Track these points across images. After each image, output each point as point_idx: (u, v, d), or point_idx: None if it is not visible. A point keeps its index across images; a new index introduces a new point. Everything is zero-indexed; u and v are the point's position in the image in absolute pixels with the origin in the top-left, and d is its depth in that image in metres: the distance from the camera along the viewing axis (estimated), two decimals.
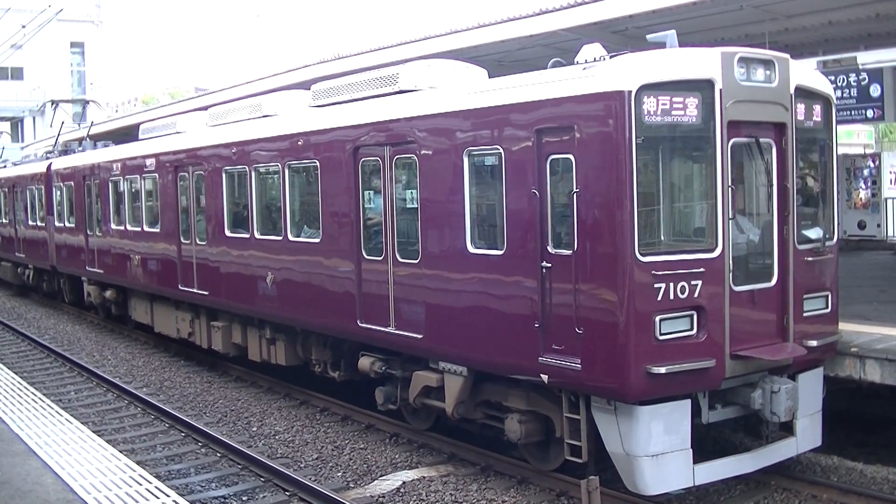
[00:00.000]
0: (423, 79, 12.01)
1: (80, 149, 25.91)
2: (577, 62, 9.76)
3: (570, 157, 9.03)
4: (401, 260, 11.19)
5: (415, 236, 11.05)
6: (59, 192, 24.34)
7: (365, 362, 12.09)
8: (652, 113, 8.71)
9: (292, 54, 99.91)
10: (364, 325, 11.82)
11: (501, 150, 9.72)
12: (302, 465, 11.72)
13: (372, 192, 11.81)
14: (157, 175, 17.79)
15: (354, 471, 11.41)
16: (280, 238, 13.55)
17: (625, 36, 15.24)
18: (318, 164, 12.63)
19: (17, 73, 75.09)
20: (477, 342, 10.17)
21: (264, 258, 13.98)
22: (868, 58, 20.20)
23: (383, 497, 10.47)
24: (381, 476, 11.13)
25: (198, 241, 16.21)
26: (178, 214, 16.95)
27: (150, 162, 18.09)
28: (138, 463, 10.20)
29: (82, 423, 11.52)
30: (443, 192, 10.51)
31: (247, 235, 14.47)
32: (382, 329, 11.48)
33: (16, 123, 73.92)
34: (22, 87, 75.29)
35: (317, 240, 12.76)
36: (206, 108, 19.58)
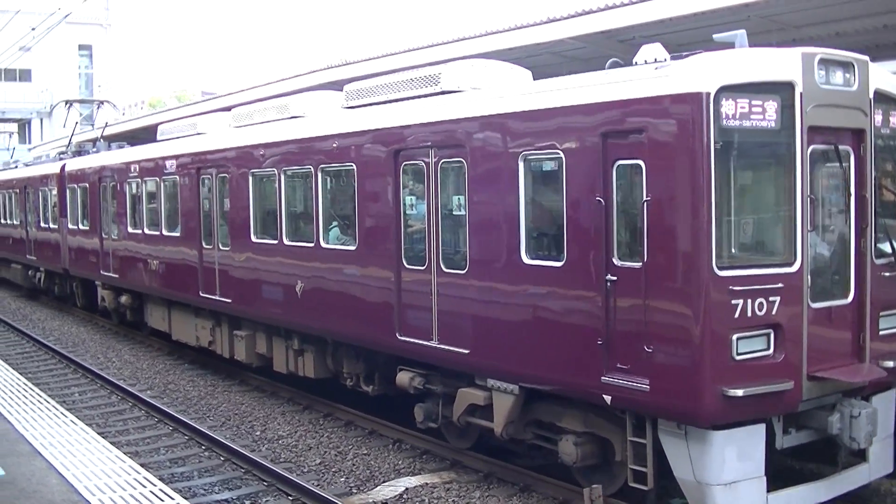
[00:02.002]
0: (467, 79, 11.42)
1: (95, 150, 25.32)
2: (637, 63, 9.19)
3: (640, 162, 8.41)
4: (446, 270, 10.56)
5: (462, 245, 10.44)
6: (72, 194, 23.72)
7: (403, 377, 11.45)
8: (730, 116, 8.10)
9: (298, 59, 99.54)
10: (403, 338, 11.19)
11: (562, 155, 9.10)
12: (305, 470, 11.66)
13: (414, 197, 11.20)
14: (177, 177, 17.17)
15: (357, 476, 11.35)
16: (311, 245, 12.92)
17: (632, 45, 14.84)
18: (354, 167, 12.01)
19: (25, 75, 74.87)
20: (531, 359, 9.53)
21: (294, 265, 13.34)
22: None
23: (386, 503, 10.32)
24: (384, 482, 11.07)
25: (221, 247, 15.58)
26: (199, 218, 16.33)
27: (171, 164, 17.48)
28: (142, 465, 10.13)
29: (87, 424, 11.55)
30: (495, 198, 9.88)
31: (275, 241, 13.84)
32: (424, 343, 10.85)
33: (23, 125, 73.69)
34: (30, 89, 74.93)
35: (352, 247, 12.13)
36: (227, 109, 19.03)
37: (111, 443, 10.74)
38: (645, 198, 8.29)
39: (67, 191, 24.05)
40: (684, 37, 15.59)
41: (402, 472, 11.40)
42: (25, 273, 29.25)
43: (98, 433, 11.21)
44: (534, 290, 9.46)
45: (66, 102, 27.55)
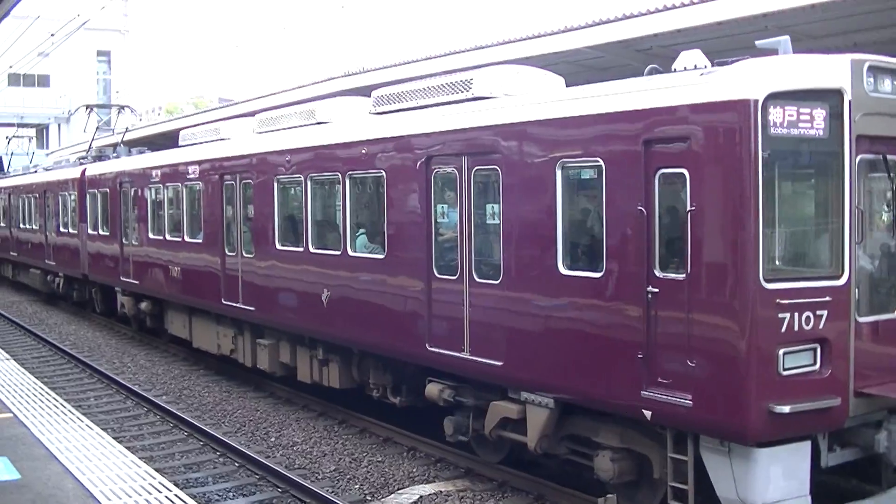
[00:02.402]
0: (499, 85, 11.21)
1: (115, 155, 25.22)
2: (676, 69, 8.98)
3: (684, 171, 8.17)
4: (479, 280, 10.34)
5: (496, 254, 10.22)
6: (93, 199, 23.61)
7: (433, 389, 11.22)
8: (778, 124, 7.85)
9: (316, 67, 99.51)
10: (433, 349, 10.96)
11: (602, 163, 8.87)
12: (319, 477, 11.65)
13: (446, 205, 10.99)
14: (200, 183, 17.02)
15: (372, 483, 11.35)
16: (338, 253, 12.72)
17: (649, 54, 14.92)
18: (383, 174, 11.81)
19: (43, 81, 75.31)
20: (567, 372, 9.30)
21: (320, 273, 13.15)
22: None
23: None
24: (399, 489, 11.05)
25: (244, 254, 15.40)
26: (222, 225, 16.16)
27: (193, 169, 17.33)
28: (157, 470, 10.11)
29: (102, 429, 11.57)
30: (531, 206, 9.66)
31: (300, 249, 13.65)
32: (455, 354, 10.62)
33: (41, 130, 73.99)
34: (48, 95, 75.32)
35: (381, 255, 11.93)
36: (251, 115, 18.91)
37: (126, 447, 10.80)
38: (689, 207, 8.06)
39: (87, 196, 23.95)
40: (702, 47, 15.63)
41: (417, 480, 11.38)
42: (44, 278, 29.17)
43: (113, 438, 11.24)
44: (571, 302, 9.22)
45: (87, 107, 27.47)
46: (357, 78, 19.42)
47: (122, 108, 27.23)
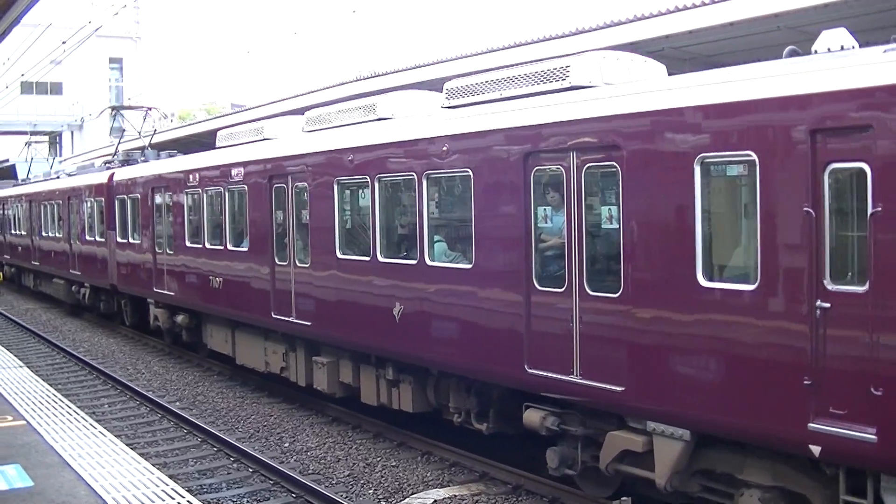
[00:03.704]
0: (600, 72, 10.02)
1: (143, 158, 24.00)
2: (817, 51, 7.75)
3: (863, 165, 6.90)
4: (592, 293, 9.06)
5: (614, 263, 8.94)
6: (122, 205, 22.35)
7: (533, 416, 9.92)
8: None
9: (329, 72, 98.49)
10: (533, 371, 9.68)
11: (754, 157, 7.59)
12: (334, 482, 11.57)
13: (548, 207, 9.71)
14: (245, 186, 15.78)
15: (386, 488, 11.25)
16: (414, 262, 11.44)
17: (661, 56, 14.49)
18: (470, 173, 10.54)
19: (56, 89, 75.20)
20: (709, 400, 8.01)
21: (391, 286, 11.87)
22: None
23: None
24: (413, 494, 10.94)
25: (298, 263, 14.14)
26: (271, 232, 14.90)
27: (237, 172, 16.09)
28: (171, 477, 10.16)
29: (116, 435, 11.62)
30: (661, 208, 8.38)
31: (366, 258, 12.37)
32: (561, 377, 9.34)
33: (54, 138, 73.46)
34: (61, 102, 75.15)
35: (466, 265, 10.66)
36: (296, 113, 17.75)
37: (140, 454, 10.74)
38: (872, 209, 6.79)
39: (116, 202, 22.69)
40: (712, 48, 15.59)
41: (431, 485, 11.28)
42: (68, 288, 27.90)
43: (127, 444, 11.20)
44: (713, 319, 7.94)
45: (112, 109, 26.27)
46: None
47: (149, 109, 26.02)
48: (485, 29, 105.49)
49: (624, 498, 8.96)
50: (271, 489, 11.37)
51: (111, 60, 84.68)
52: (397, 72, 19.20)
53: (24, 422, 11.36)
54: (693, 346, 8.12)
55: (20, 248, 34.01)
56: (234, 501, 10.99)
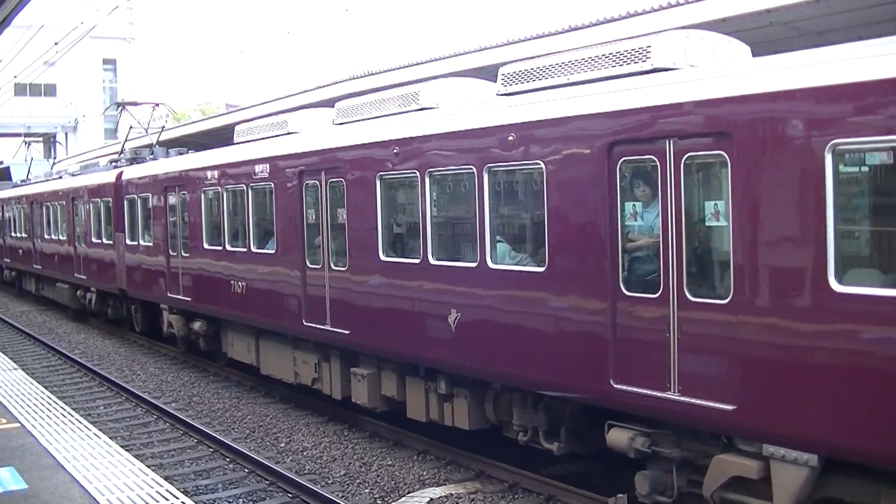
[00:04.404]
0: (683, 54, 9.02)
1: (152, 157, 22.87)
2: None
3: None
4: (693, 299, 8.00)
5: (721, 266, 7.89)
6: (131, 205, 21.19)
7: (619, 437, 8.84)
8: None
9: (322, 71, 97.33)
10: (620, 387, 8.61)
11: None
12: (329, 482, 11.53)
13: (637, 203, 8.64)
14: (271, 184, 14.68)
15: (382, 487, 11.21)
16: (474, 265, 10.37)
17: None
18: (542, 166, 9.47)
19: (50, 90, 75.43)
20: (846, 422, 6.95)
21: (445, 291, 10.80)
22: None
23: None
24: (409, 493, 10.91)
25: (333, 266, 13.06)
26: (302, 232, 13.81)
27: (261, 168, 14.99)
28: (166, 478, 10.26)
29: (111, 437, 11.75)
30: (782, 204, 7.32)
31: (416, 260, 11.29)
32: (655, 394, 8.28)
33: (48, 139, 72.87)
34: (55, 104, 75.18)
35: (538, 268, 9.59)
36: (321, 104, 16.72)
37: (135, 455, 10.89)
38: None
39: (125, 202, 21.53)
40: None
41: (427, 483, 11.23)
42: (73, 293, 26.69)
43: (122, 446, 11.34)
44: (850, 329, 6.89)
45: (118, 105, 25.12)
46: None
47: (157, 105, 24.87)
48: (480, 27, 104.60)
49: (619, 495, 8.96)
50: (267, 489, 11.34)
51: (105, 61, 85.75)
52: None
53: (19, 424, 11.39)
54: (825, 358, 7.07)
55: (21, 252, 32.80)
56: (230, 502, 10.97)
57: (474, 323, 10.37)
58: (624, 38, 9.90)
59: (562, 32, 16.00)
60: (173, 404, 16.21)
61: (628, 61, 9.23)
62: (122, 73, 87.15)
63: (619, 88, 8.85)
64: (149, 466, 10.18)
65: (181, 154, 21.94)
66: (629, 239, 8.70)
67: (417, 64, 18.56)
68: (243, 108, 25.75)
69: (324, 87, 22.09)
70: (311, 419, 14.58)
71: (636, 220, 8.66)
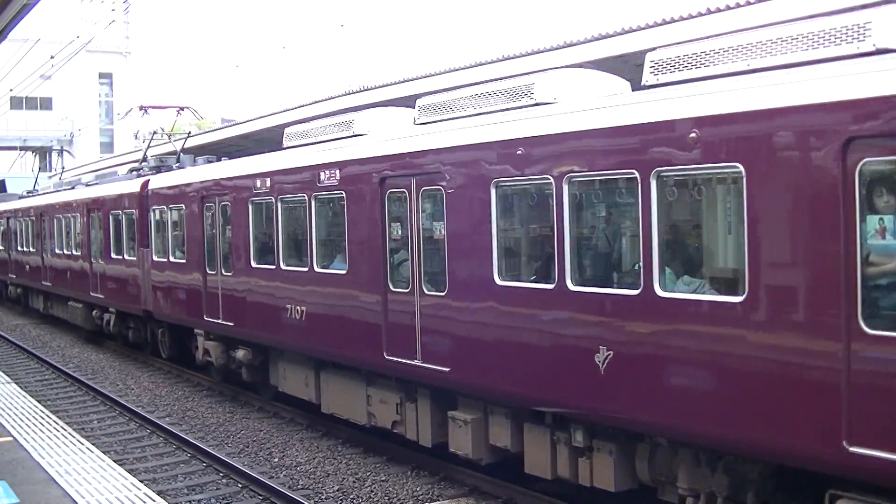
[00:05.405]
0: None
1: (178, 164, 20.90)
2: None
3: None
4: None
5: None
6: (159, 218, 19.18)
7: None
8: None
9: (318, 85, 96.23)
10: (858, 450, 6.69)
11: None
12: (323, 497, 11.45)
13: (891, 216, 6.75)
14: (342, 193, 12.74)
15: (375, 503, 11.10)
16: (636, 293, 8.42)
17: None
18: (741, 171, 7.54)
19: (45, 104, 75.51)
20: None
21: (590, 323, 8.84)
22: None
23: None
24: None
25: (426, 291, 11.11)
26: (384, 250, 11.87)
27: (328, 175, 13.06)
28: (159, 493, 10.31)
29: (104, 451, 11.86)
30: None
31: (549, 286, 9.33)
32: None
33: (44, 153, 72.15)
34: (51, 118, 74.86)
35: (735, 298, 7.63)
36: (394, 103, 14.91)
37: (128, 470, 10.92)
38: None
39: (151, 213, 19.49)
40: None
41: (421, 499, 11.18)
42: (88, 313, 24.49)
43: (115, 460, 11.40)
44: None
45: (142, 108, 23.17)
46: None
47: (182, 108, 22.92)
48: (471, 39, 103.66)
49: None
50: None
51: (101, 75, 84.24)
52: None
53: (11, 438, 11.37)
54: None
55: (28, 267, 30.60)
56: None
57: (635, 363, 8.41)
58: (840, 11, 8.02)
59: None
60: (167, 419, 16.14)
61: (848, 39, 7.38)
62: (118, 87, 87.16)
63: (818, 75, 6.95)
64: (142, 481, 10.25)
65: (210, 162, 20.01)
66: (871, 262, 6.80)
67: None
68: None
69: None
70: (304, 434, 14.54)
71: (885, 237, 6.77)
